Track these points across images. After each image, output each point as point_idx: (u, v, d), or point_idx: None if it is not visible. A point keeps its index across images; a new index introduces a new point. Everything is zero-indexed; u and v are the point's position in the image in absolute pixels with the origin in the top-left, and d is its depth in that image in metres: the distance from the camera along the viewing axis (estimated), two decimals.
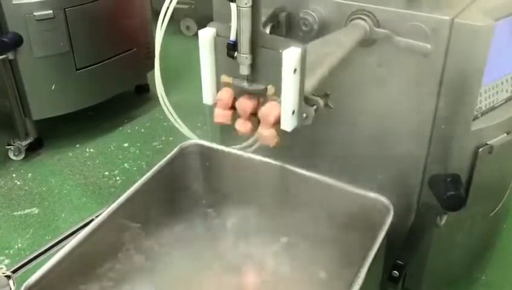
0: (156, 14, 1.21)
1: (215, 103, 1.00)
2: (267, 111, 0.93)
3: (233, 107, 0.98)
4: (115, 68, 2.85)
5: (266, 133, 0.94)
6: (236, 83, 0.96)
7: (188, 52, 3.43)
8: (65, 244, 1.08)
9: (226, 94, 0.97)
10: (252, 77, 0.94)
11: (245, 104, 0.95)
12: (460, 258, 1.61)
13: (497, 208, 1.59)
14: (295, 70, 0.87)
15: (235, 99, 0.97)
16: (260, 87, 0.94)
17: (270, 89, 0.93)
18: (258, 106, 0.95)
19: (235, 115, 0.99)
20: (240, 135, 0.99)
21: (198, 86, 1.03)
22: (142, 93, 3.20)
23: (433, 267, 1.52)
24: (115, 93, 2.94)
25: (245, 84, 0.95)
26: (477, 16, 1.17)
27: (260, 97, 0.95)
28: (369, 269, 1.00)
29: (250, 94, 0.96)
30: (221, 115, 0.99)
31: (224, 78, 0.98)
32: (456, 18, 1.15)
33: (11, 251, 2.13)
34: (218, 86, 0.99)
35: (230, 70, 0.96)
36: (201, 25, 1.00)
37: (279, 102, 0.92)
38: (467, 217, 1.39)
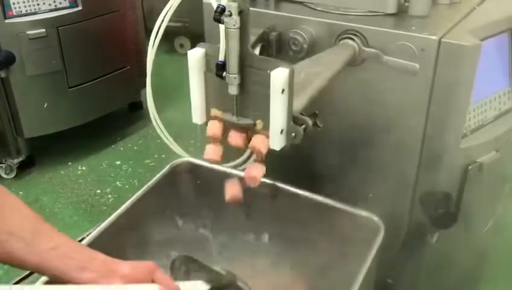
0: (150, 32, 1.22)
1: (208, 138, 1.02)
2: (257, 144, 0.95)
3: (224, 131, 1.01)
4: (107, 86, 2.86)
5: (254, 173, 0.99)
6: (225, 118, 0.98)
7: (182, 70, 3.43)
8: None
9: (215, 128, 0.99)
10: (241, 106, 0.96)
11: (236, 138, 0.98)
12: (455, 276, 1.61)
13: (488, 225, 1.59)
14: (283, 90, 0.88)
15: (224, 127, 1.00)
16: (249, 122, 0.96)
17: (259, 124, 0.95)
18: (248, 137, 0.98)
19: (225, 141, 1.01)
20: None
21: (191, 104, 1.04)
22: (136, 110, 3.21)
23: (427, 286, 1.51)
24: (108, 111, 2.94)
25: (234, 119, 0.97)
26: (464, 36, 1.18)
27: (249, 130, 0.97)
28: (360, 288, 1.00)
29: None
30: (213, 152, 1.02)
31: (214, 112, 1.00)
32: (443, 38, 1.16)
33: None
34: (208, 105, 1.00)
35: (219, 91, 0.96)
36: (195, 43, 1.00)
37: (267, 135, 0.94)
38: (459, 234, 1.39)
